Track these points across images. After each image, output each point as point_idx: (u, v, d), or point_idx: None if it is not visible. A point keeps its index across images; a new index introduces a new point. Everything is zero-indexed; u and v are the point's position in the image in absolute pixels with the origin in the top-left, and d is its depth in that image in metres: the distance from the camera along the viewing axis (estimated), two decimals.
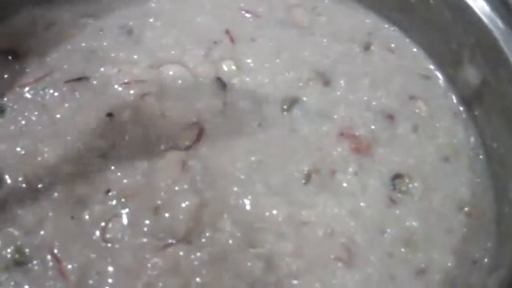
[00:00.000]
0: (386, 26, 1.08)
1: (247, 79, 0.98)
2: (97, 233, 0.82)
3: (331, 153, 0.91)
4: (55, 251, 0.81)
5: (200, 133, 0.91)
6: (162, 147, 0.89)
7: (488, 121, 0.94)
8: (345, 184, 0.89)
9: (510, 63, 0.86)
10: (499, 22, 0.88)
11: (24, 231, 0.82)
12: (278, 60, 1.01)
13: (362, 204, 0.88)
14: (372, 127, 0.95)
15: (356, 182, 0.89)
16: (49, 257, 0.80)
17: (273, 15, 1.08)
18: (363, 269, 0.82)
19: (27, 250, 0.81)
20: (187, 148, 0.90)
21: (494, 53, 0.88)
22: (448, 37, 0.97)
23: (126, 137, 0.90)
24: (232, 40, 1.03)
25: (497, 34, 0.87)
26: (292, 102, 0.96)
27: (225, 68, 0.98)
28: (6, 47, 0.98)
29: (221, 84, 0.96)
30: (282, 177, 0.89)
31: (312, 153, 0.91)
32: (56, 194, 0.85)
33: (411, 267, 0.84)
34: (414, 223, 0.87)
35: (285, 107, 0.95)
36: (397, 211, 0.88)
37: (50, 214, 0.83)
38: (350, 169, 0.90)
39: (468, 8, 0.91)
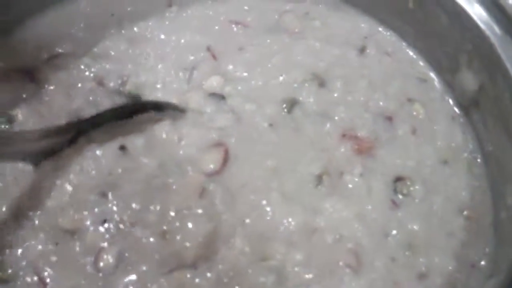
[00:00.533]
0: (380, 29, 1.09)
1: (239, 87, 0.98)
2: (89, 260, 0.82)
3: (335, 154, 0.92)
4: (44, 273, 0.81)
5: (226, 155, 0.91)
6: (182, 173, 0.89)
7: (485, 126, 0.94)
8: (351, 186, 0.90)
9: (507, 68, 0.86)
10: (496, 28, 0.88)
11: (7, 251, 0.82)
12: (269, 65, 1.02)
13: (368, 207, 0.88)
14: (373, 128, 0.96)
15: (362, 184, 0.90)
16: (35, 278, 0.80)
17: (263, 23, 1.08)
18: (368, 274, 0.83)
19: (10, 271, 0.81)
20: (214, 173, 0.89)
21: (491, 58, 0.88)
22: (445, 42, 0.97)
23: (138, 171, 0.89)
24: (214, 56, 1.02)
25: (494, 40, 0.88)
26: (292, 103, 0.97)
27: (214, 83, 0.98)
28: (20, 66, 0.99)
29: (219, 96, 0.97)
30: (296, 181, 0.90)
31: (320, 155, 0.92)
32: (37, 222, 0.84)
33: (413, 271, 0.85)
34: (415, 227, 0.88)
35: (285, 108, 0.96)
36: (400, 214, 0.89)
37: (33, 240, 0.83)
38: (356, 171, 0.91)
39: (465, 14, 0.91)
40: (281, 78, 1.00)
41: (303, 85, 0.99)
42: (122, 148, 0.90)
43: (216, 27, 1.07)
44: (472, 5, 0.90)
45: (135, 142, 0.91)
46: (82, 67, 1.00)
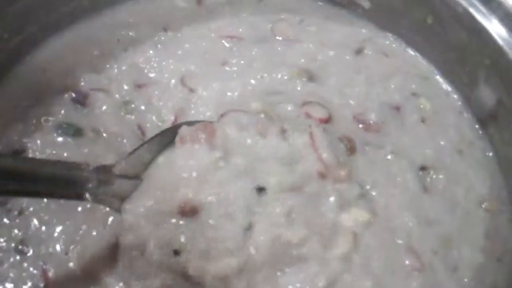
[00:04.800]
0: (381, 34, 1.14)
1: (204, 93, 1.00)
2: None
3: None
4: None
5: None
6: None
7: (502, 139, 0.98)
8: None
9: None
10: None
11: None
12: (250, 68, 1.03)
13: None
14: (379, 115, 0.99)
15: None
16: None
17: (254, 34, 1.09)
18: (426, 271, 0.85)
19: None
20: None
21: (509, 74, 0.93)
22: (463, 58, 1.01)
23: None
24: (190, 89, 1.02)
25: None
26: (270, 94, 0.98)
27: None
28: None
29: None
30: None
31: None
32: None
33: (448, 264, 0.87)
34: (445, 217, 0.90)
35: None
36: (432, 201, 0.91)
37: None
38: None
39: (484, 30, 0.95)
40: (263, 76, 1.01)
41: (290, 81, 1.01)
42: None
43: (206, 43, 1.08)
44: (491, 21, 0.95)
45: None
46: None
